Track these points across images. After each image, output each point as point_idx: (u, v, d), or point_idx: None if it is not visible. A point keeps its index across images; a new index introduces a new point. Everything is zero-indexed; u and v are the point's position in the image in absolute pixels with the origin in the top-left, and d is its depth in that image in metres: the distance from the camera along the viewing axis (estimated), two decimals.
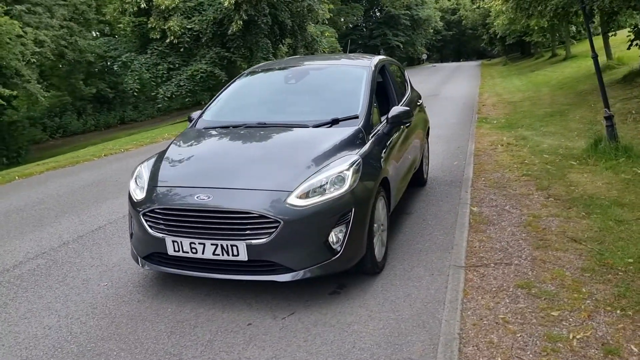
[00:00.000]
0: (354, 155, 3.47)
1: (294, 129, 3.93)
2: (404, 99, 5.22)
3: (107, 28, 27.32)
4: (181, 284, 3.68)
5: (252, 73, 4.99)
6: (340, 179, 3.26)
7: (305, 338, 2.93)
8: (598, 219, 4.46)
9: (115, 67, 22.38)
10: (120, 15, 20.70)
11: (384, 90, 4.96)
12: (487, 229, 4.53)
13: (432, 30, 61.27)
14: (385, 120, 4.19)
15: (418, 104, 5.88)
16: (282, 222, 3.04)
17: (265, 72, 5.01)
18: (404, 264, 3.90)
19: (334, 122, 3.90)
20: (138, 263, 3.55)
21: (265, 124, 4.06)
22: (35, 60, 13.81)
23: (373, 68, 4.58)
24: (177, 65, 21.00)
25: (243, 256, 3.11)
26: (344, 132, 3.76)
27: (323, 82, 4.70)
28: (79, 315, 3.33)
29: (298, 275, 3.15)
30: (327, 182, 3.22)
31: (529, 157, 7.13)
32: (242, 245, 3.08)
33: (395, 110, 4.20)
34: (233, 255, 3.11)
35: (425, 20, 56.29)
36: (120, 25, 21.88)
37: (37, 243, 4.87)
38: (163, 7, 19.56)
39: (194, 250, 3.18)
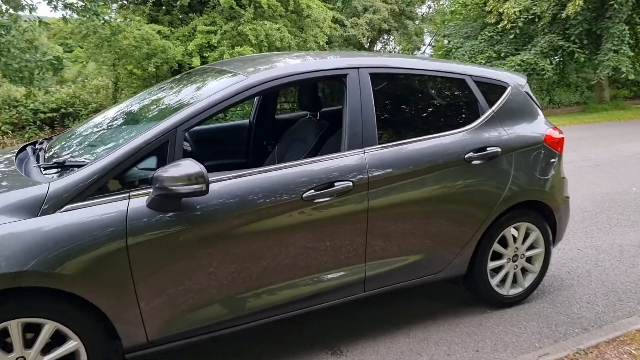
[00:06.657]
0: None
1: None
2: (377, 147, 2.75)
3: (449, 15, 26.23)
4: None
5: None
6: None
7: None
8: None
9: (439, 53, 21.11)
10: None
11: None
12: None
13: None
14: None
15: (478, 160, 3.03)
16: None
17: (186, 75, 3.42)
18: None
19: (59, 165, 2.36)
20: None
21: None
22: (322, 43, 14.19)
23: (239, 86, 2.55)
24: (502, 55, 17.83)
25: None
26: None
27: (177, 98, 2.89)
28: None
29: None
30: None
31: None
32: None
33: (161, 170, 2.18)
34: None
35: None
36: (453, 9, 20.39)
37: None
38: None
39: None
